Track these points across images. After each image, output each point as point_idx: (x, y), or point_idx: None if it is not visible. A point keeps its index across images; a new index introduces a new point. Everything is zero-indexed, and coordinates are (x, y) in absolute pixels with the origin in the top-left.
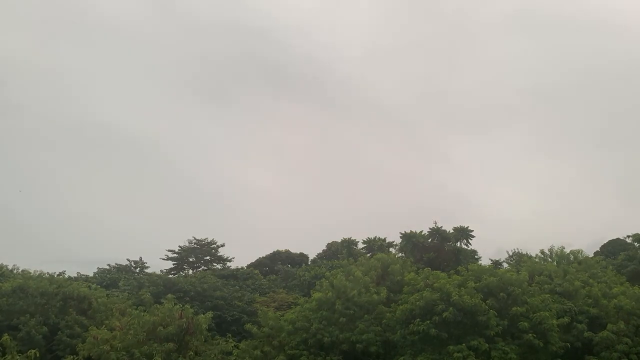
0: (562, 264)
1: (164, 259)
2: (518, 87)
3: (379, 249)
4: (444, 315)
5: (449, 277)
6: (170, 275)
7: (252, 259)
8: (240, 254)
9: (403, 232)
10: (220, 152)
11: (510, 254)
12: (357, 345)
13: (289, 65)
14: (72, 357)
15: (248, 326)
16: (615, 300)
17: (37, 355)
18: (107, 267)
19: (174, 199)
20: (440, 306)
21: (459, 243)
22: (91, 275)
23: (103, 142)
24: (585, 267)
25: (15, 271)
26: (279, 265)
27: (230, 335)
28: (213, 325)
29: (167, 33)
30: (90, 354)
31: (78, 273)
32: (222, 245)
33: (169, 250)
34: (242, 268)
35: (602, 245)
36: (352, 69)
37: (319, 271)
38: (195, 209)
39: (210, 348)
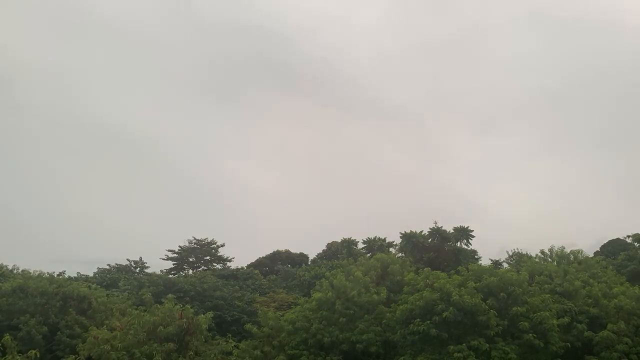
0: (562, 264)
1: (164, 259)
2: (520, 88)
3: (379, 249)
4: (444, 315)
5: (449, 277)
6: (170, 275)
7: (252, 259)
8: (240, 254)
9: (403, 232)
10: (220, 152)
11: (510, 254)
12: (357, 345)
13: (294, 65)
14: (72, 357)
15: (248, 326)
16: (616, 300)
17: (38, 355)
18: (107, 267)
19: (174, 199)
20: (440, 306)
21: (459, 243)
22: (91, 275)
23: (103, 141)
24: (585, 267)
25: (15, 271)
26: (279, 265)
27: (230, 335)
28: (213, 325)
29: (166, 32)
30: (91, 354)
31: (78, 273)
32: (222, 245)
33: (169, 250)
34: (242, 268)
35: (602, 245)
36: (357, 68)
37: (319, 271)
38: (195, 209)
39: (211, 348)
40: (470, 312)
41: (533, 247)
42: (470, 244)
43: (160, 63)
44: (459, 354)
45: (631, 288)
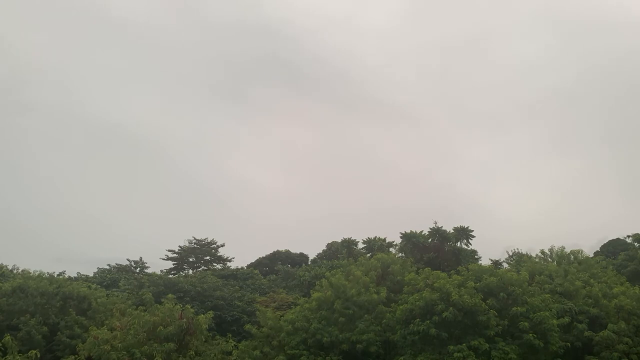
0: (562, 264)
1: (164, 259)
2: (522, 89)
3: (379, 249)
4: (444, 315)
5: (449, 277)
6: (170, 275)
7: (252, 259)
8: (240, 254)
9: (403, 232)
10: (220, 152)
11: (510, 254)
12: (357, 345)
13: (299, 64)
14: (72, 357)
15: (247, 327)
16: (616, 300)
17: (38, 355)
18: (107, 267)
19: (174, 199)
20: (440, 306)
21: (459, 243)
22: (91, 275)
23: (102, 141)
24: (585, 267)
25: (15, 271)
26: (279, 265)
27: (230, 335)
28: (213, 325)
29: (166, 32)
30: (91, 354)
31: (78, 273)
32: (222, 245)
33: (169, 250)
34: (242, 268)
35: (602, 245)
36: (362, 69)
37: (319, 271)
38: (195, 208)
39: (211, 348)
40: (470, 312)
41: (534, 247)
42: (471, 244)
43: (160, 63)
44: (459, 354)
45: (631, 288)
